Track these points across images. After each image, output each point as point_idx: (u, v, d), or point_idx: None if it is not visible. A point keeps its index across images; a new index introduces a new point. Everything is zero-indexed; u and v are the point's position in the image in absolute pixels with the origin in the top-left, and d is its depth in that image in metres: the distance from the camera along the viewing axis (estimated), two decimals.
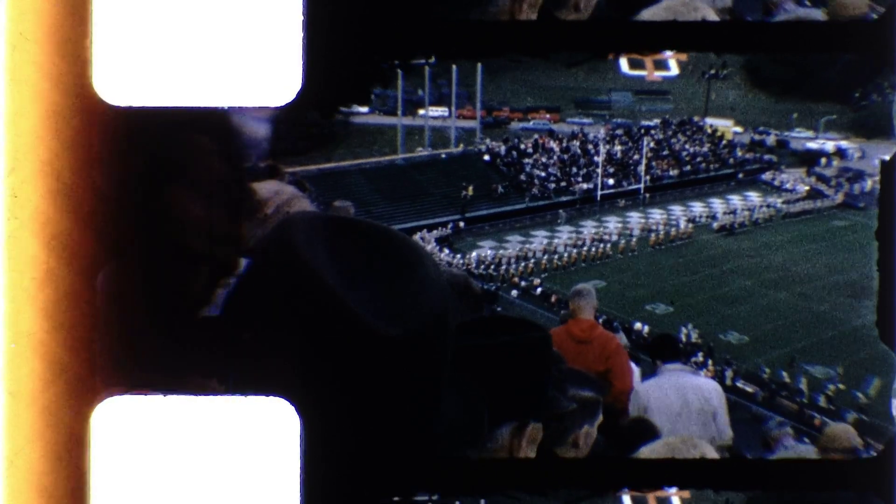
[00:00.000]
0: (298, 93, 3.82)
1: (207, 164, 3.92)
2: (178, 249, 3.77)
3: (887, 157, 3.96)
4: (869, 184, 43.72)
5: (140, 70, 3.80)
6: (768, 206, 43.15)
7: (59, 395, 3.84)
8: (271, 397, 3.60)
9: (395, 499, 4.17)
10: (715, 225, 41.58)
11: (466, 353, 3.53)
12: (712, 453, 4.69)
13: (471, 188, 41.28)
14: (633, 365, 7.48)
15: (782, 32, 4.28)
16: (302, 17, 3.80)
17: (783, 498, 4.44)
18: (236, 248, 3.85)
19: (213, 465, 3.82)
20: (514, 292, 35.33)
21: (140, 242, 3.77)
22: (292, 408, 3.64)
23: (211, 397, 3.76)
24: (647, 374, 7.54)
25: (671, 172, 45.31)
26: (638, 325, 32.80)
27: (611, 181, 43.92)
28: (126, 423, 3.82)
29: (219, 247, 3.86)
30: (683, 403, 6.82)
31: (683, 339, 31.62)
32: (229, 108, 3.78)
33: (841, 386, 29.11)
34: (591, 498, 4.40)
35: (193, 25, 3.81)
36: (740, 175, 45.45)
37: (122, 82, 3.78)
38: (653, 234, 40.71)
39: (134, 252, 3.74)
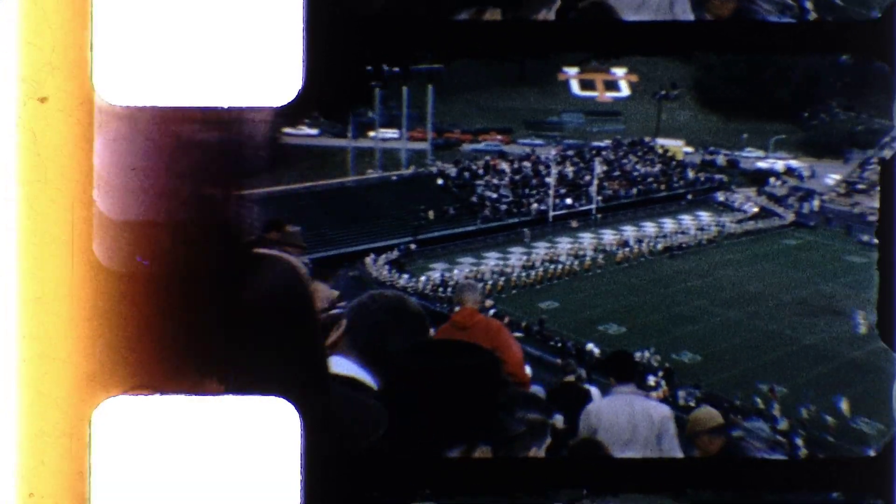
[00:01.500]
0: (299, 93, 3.80)
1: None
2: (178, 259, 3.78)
3: (887, 156, 3.89)
4: (817, 203, 43.99)
5: (141, 70, 3.78)
6: (718, 225, 43.28)
7: (61, 395, 3.83)
8: (271, 397, 3.76)
9: (394, 498, 4.17)
10: (659, 246, 41.59)
11: (415, 376, 3.74)
12: None
13: (431, 212, 41.10)
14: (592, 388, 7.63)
15: (783, 32, 4.24)
16: (302, 18, 3.77)
17: (784, 498, 4.39)
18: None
19: (214, 464, 3.81)
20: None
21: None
22: (292, 408, 3.69)
23: (211, 397, 3.77)
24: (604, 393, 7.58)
25: (631, 192, 45.35)
26: (590, 346, 32.70)
27: (569, 200, 43.90)
28: (127, 424, 3.82)
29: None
30: (632, 429, 6.96)
31: (644, 360, 31.54)
32: (230, 107, 3.77)
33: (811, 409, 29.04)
34: (591, 498, 4.37)
35: (194, 26, 3.79)
36: (689, 196, 45.56)
37: (123, 82, 3.77)
38: (620, 251, 40.69)
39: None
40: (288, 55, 3.93)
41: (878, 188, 3.91)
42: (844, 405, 28.35)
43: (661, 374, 30.73)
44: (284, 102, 3.93)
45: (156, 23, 3.90)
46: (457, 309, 8.10)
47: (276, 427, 3.92)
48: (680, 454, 6.98)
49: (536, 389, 7.88)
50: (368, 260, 37.74)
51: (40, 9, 3.86)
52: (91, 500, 3.96)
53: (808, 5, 5.32)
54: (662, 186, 45.91)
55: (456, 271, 38.04)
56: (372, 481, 3.97)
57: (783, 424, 28.30)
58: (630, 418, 6.90)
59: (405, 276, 37.20)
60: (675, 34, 4.20)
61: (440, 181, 43.25)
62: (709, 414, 7.17)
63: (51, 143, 3.91)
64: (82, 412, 4.00)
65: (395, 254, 38.56)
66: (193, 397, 3.95)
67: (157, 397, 3.96)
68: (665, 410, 7.19)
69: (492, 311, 35.23)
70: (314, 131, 41.68)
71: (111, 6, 3.89)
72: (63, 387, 3.99)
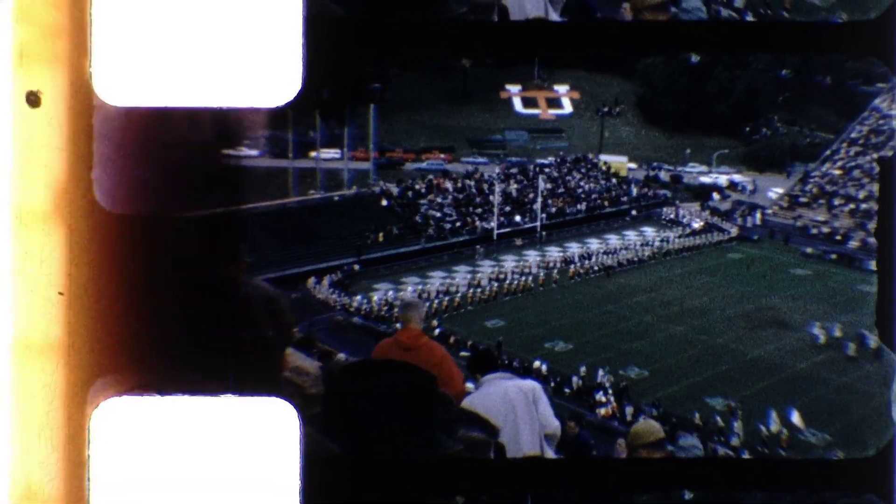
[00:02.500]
0: (298, 93, 3.75)
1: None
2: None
3: (888, 155, 3.82)
4: (759, 216, 44.34)
5: (140, 70, 3.75)
6: (663, 241, 43.39)
7: (61, 396, 3.80)
8: (271, 397, 3.82)
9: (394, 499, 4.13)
10: (608, 262, 41.57)
11: (353, 394, 3.79)
12: None
13: (381, 235, 40.98)
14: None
15: (784, 32, 4.18)
16: (302, 18, 3.73)
17: (784, 498, 4.38)
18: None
19: (214, 464, 3.79)
20: None
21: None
22: (292, 408, 3.72)
23: (211, 397, 3.76)
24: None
25: (576, 208, 45.39)
26: (537, 364, 32.60)
27: (518, 217, 43.93)
28: (126, 424, 3.80)
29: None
30: (509, 407, 7.19)
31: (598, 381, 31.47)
32: (229, 108, 3.75)
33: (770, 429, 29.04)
34: (591, 498, 4.34)
35: (194, 26, 3.74)
36: (633, 212, 45.72)
37: (122, 82, 3.74)
38: (572, 266, 40.68)
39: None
40: (288, 55, 3.88)
41: (878, 188, 3.86)
42: (796, 418, 28.45)
43: (610, 391, 30.72)
44: (284, 102, 3.91)
45: (155, 24, 3.85)
46: (398, 326, 8.19)
47: (276, 427, 3.94)
48: (555, 419, 7.17)
49: None
50: (311, 281, 37.39)
51: (38, 9, 3.83)
52: (91, 500, 3.96)
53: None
54: (607, 203, 46.02)
55: (410, 289, 37.92)
56: (370, 482, 3.97)
57: (735, 441, 28.36)
58: (505, 397, 7.16)
59: (357, 297, 36.88)
60: (676, 34, 4.12)
61: (385, 202, 43.10)
62: (649, 428, 7.21)
63: (49, 143, 3.84)
64: (82, 413, 3.99)
65: (338, 275, 38.23)
66: (193, 397, 3.92)
67: (156, 398, 3.93)
68: (533, 383, 7.48)
69: (437, 331, 35.05)
70: (255, 152, 41.48)
71: (110, 7, 3.84)
72: (62, 388, 3.99)
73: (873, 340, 29.64)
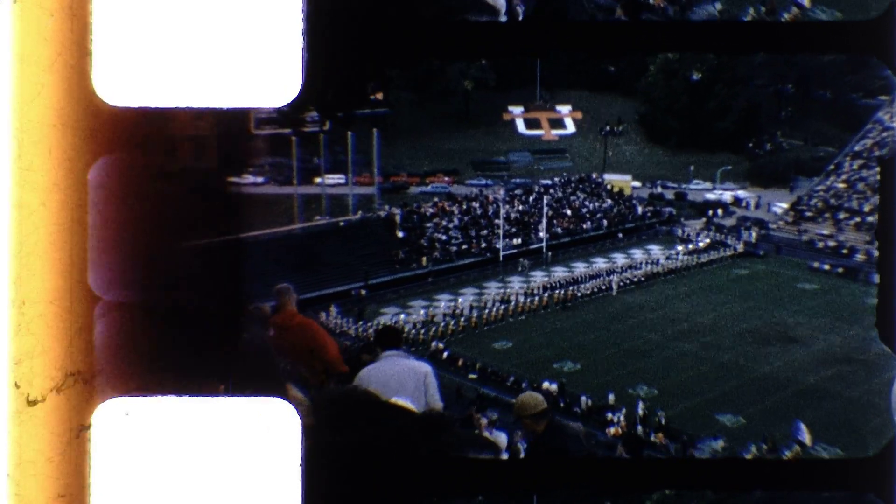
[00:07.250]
0: (298, 93, 3.79)
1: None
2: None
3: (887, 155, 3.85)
4: (755, 233, 44.30)
5: (140, 70, 3.78)
6: (668, 258, 43.37)
7: (62, 396, 3.83)
8: (271, 398, 3.88)
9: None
10: (615, 280, 41.52)
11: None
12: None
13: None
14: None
15: (784, 32, 4.23)
16: (302, 19, 3.77)
17: (784, 497, 4.40)
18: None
19: (215, 465, 3.81)
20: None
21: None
22: (292, 408, 3.74)
23: (211, 398, 3.77)
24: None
25: (581, 228, 45.39)
26: (546, 385, 32.52)
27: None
28: (127, 424, 3.82)
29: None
30: (399, 384, 7.32)
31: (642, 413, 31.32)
32: (229, 108, 3.79)
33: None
34: (592, 498, 4.37)
35: (194, 26, 3.78)
36: (620, 235, 45.64)
37: (123, 83, 3.78)
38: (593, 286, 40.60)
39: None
40: (288, 55, 3.93)
41: (878, 188, 3.93)
42: (805, 432, 28.37)
43: (622, 413, 30.64)
44: (284, 102, 3.96)
45: (156, 24, 3.89)
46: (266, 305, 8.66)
47: (276, 428, 3.99)
48: (440, 403, 7.49)
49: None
50: (328, 315, 37.34)
51: (39, 10, 3.86)
52: (92, 499, 4.02)
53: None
54: (611, 221, 46.03)
55: (442, 304, 38.09)
56: (371, 481, 3.99)
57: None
58: (397, 374, 7.47)
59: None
60: (677, 34, 4.17)
61: (401, 233, 43.11)
62: (534, 399, 7.64)
63: (50, 143, 3.87)
64: (82, 414, 4.04)
65: (339, 304, 38.23)
66: (193, 398, 3.94)
67: (157, 399, 3.96)
68: (426, 367, 7.88)
69: (445, 354, 35.01)
70: (260, 179, 41.52)
71: (111, 8, 3.89)
72: (63, 388, 4.02)
73: None
